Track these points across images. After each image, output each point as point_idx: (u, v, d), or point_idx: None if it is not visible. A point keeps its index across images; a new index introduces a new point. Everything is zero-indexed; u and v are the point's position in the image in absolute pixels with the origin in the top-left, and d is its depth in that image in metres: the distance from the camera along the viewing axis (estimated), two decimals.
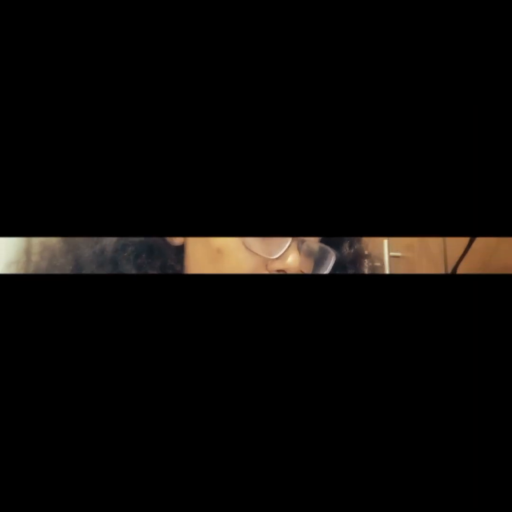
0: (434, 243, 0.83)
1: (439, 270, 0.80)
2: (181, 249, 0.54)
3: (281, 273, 0.50)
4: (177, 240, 0.54)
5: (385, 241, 0.98)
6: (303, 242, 0.51)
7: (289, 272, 0.49)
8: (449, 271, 0.77)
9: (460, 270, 0.73)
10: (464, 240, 0.71)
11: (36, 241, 0.56)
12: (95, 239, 0.52)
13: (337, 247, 0.57)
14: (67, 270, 0.53)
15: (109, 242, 0.52)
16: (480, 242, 0.68)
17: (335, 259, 0.54)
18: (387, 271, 0.95)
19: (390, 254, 0.97)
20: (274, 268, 0.50)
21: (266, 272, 0.50)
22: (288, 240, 0.50)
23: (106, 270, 0.51)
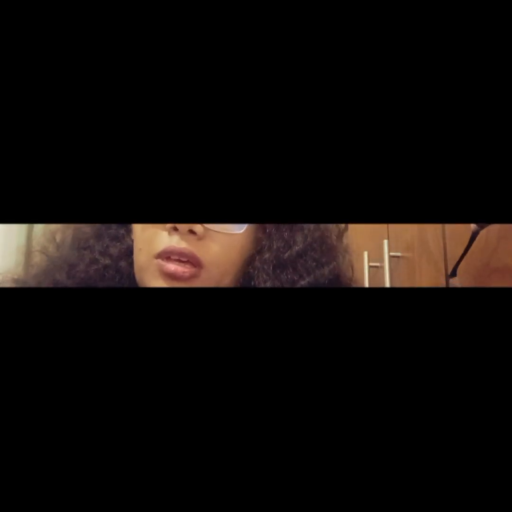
0: (434, 243, 0.83)
1: (439, 270, 0.80)
2: None
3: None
4: None
5: (385, 240, 0.98)
6: None
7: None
8: (449, 271, 0.77)
9: (460, 270, 0.73)
10: (464, 240, 0.71)
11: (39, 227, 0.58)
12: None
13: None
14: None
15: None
16: (480, 242, 0.68)
17: None
18: (387, 271, 0.95)
19: (390, 254, 0.97)
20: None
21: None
22: None
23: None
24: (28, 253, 0.60)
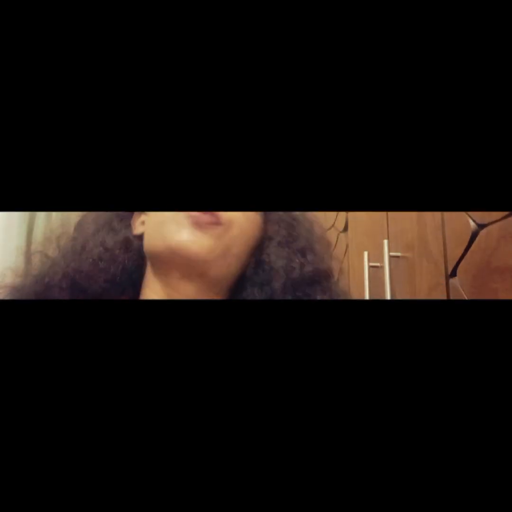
0: (434, 243, 0.83)
1: (439, 270, 0.80)
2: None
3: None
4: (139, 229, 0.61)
5: (385, 240, 0.97)
6: None
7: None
8: (449, 271, 0.77)
9: (460, 270, 0.73)
10: (464, 240, 0.71)
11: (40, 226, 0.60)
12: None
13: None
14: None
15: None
16: (480, 242, 0.68)
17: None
18: (387, 271, 0.95)
19: (390, 254, 0.97)
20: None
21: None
22: None
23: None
24: (28, 254, 0.62)
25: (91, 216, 0.63)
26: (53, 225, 0.66)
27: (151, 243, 0.57)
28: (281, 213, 0.61)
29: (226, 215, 0.55)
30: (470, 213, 0.71)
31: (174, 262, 0.54)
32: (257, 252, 0.59)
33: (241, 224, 0.56)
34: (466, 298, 0.71)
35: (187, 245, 0.53)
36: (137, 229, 0.61)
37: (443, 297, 0.77)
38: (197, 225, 0.53)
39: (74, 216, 0.64)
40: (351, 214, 1.34)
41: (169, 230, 0.54)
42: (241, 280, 0.59)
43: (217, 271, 0.55)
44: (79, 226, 0.63)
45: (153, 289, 0.57)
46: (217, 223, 0.54)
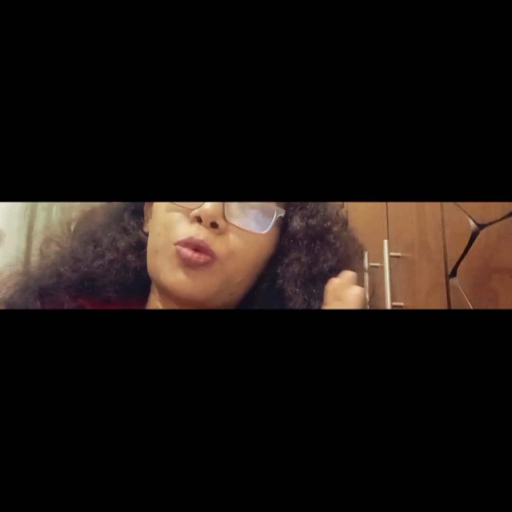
0: (434, 243, 0.83)
1: (439, 270, 0.80)
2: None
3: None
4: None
5: (385, 240, 0.98)
6: None
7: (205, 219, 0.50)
8: (449, 271, 0.77)
9: (460, 270, 0.73)
10: (464, 240, 0.71)
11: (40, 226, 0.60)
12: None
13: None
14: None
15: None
16: (480, 242, 0.68)
17: (277, 216, 0.53)
18: (387, 271, 0.95)
19: (390, 254, 0.97)
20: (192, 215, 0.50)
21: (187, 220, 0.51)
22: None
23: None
24: (39, 244, 0.61)
25: (102, 207, 0.60)
26: (66, 213, 0.65)
27: (149, 267, 0.54)
28: (302, 235, 0.55)
29: (223, 248, 0.50)
30: (470, 213, 0.71)
31: (170, 295, 0.52)
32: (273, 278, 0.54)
33: (244, 251, 0.51)
34: (466, 298, 0.71)
35: (180, 287, 0.50)
36: (148, 224, 0.59)
37: (443, 297, 0.77)
38: (189, 266, 0.49)
39: (86, 204, 0.62)
40: (351, 214, 1.34)
41: (163, 266, 0.51)
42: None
43: (218, 301, 0.52)
44: (90, 216, 0.61)
45: (159, 299, 0.55)
46: (209, 262, 0.50)
